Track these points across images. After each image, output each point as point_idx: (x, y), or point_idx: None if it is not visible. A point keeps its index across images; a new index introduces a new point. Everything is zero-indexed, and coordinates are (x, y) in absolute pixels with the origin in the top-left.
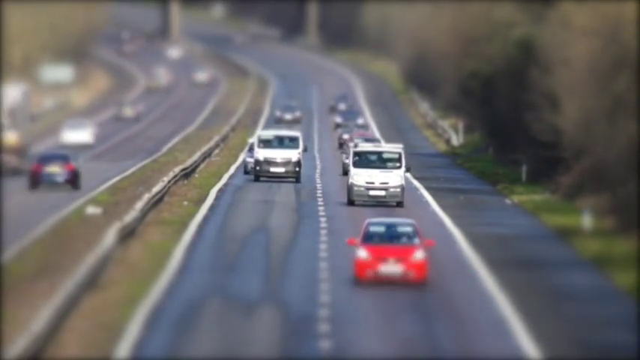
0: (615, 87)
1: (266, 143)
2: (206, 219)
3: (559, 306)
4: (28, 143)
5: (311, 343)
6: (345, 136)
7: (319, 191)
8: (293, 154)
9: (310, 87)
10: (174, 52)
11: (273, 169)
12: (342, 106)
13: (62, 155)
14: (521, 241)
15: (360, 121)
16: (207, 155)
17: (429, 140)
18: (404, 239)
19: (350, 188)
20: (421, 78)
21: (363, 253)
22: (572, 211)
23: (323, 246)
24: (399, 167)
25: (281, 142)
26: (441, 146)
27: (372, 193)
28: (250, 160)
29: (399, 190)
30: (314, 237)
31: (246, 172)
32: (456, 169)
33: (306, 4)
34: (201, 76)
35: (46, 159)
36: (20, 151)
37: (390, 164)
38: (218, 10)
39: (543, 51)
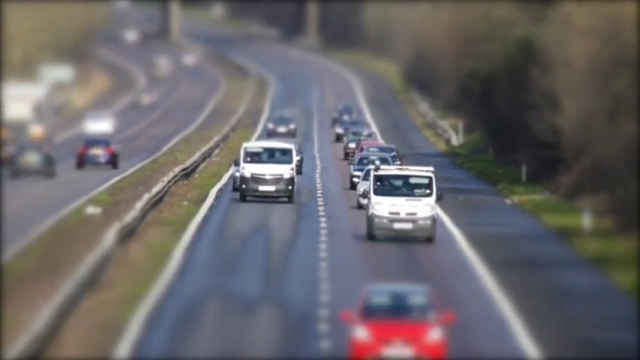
0: (615, 86)
1: (253, 157)
2: (206, 219)
3: (559, 306)
4: (52, 135)
5: (311, 343)
6: (352, 146)
7: (319, 191)
8: (285, 170)
9: (310, 87)
10: (189, 59)
11: (261, 188)
12: (345, 117)
13: (104, 140)
14: (521, 241)
15: (365, 132)
16: (207, 155)
17: (429, 140)
18: (415, 313)
19: (370, 220)
20: (421, 78)
21: (361, 333)
22: (572, 211)
23: (323, 246)
24: (430, 194)
25: (271, 156)
26: (441, 146)
27: (397, 226)
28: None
29: (429, 222)
30: (314, 237)
31: (235, 189)
32: (455, 169)
33: (306, 4)
34: (189, 59)
35: (91, 143)
36: (46, 142)
37: (418, 191)
38: (218, 10)
39: (543, 51)
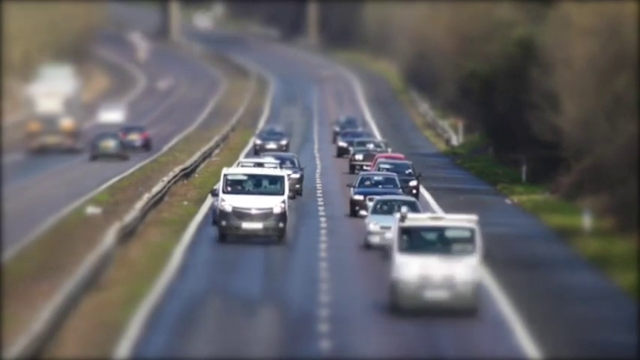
0: (615, 86)
1: (235, 186)
2: (206, 219)
3: (559, 306)
4: (81, 127)
5: (311, 343)
6: (359, 157)
7: (319, 191)
8: (275, 203)
9: (310, 87)
10: (162, 84)
11: (245, 226)
12: (348, 130)
13: (140, 127)
14: (521, 241)
15: (370, 146)
16: (207, 155)
17: (429, 140)
18: None
19: (395, 287)
20: (421, 78)
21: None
22: (572, 211)
23: (323, 246)
24: (472, 252)
25: (257, 185)
26: (441, 146)
27: (429, 295)
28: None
29: (469, 289)
30: (314, 237)
31: (215, 222)
32: (455, 169)
33: (306, 4)
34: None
35: (128, 129)
36: (75, 133)
37: (457, 247)
38: (218, 10)
39: (543, 51)
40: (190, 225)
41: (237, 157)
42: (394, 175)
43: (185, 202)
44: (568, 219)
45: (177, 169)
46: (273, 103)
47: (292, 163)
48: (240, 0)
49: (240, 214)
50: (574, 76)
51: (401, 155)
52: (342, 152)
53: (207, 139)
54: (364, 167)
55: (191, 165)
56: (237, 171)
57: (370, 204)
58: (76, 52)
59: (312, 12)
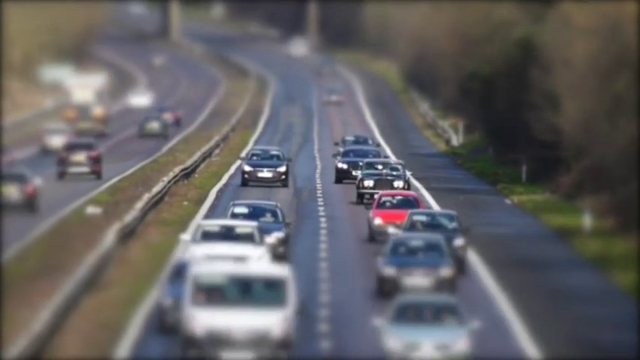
0: (615, 87)
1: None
2: (206, 219)
3: (559, 306)
4: (110, 115)
5: (311, 343)
6: (369, 184)
7: (319, 191)
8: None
9: (310, 87)
10: (158, 60)
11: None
12: (351, 147)
13: (171, 107)
14: (521, 241)
15: (380, 166)
16: (207, 155)
17: (429, 140)
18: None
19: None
20: (421, 78)
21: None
22: (572, 211)
23: (323, 246)
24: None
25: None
26: (441, 146)
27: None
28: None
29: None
30: (314, 237)
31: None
32: (455, 169)
33: (306, 4)
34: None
35: (162, 109)
36: (105, 120)
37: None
38: (218, 10)
39: (543, 51)
40: (190, 225)
41: (236, 158)
42: (439, 239)
43: (185, 203)
44: (568, 219)
45: (177, 170)
46: (273, 103)
47: (274, 215)
48: (240, 0)
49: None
50: (574, 76)
51: (413, 193)
52: (341, 176)
53: (207, 139)
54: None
55: (191, 165)
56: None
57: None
58: (76, 53)
59: (312, 12)
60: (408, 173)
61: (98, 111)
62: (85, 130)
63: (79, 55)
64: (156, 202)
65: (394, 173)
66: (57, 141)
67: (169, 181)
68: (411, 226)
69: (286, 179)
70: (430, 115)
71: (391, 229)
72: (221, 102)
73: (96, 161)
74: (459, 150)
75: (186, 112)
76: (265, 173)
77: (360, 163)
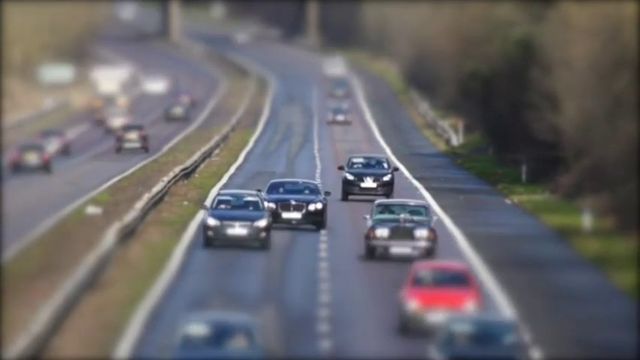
0: (615, 87)
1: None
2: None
3: (559, 306)
4: (133, 104)
5: (311, 343)
6: (382, 233)
7: None
8: None
9: (311, 87)
10: (241, 37)
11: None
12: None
13: (187, 91)
14: (521, 241)
15: (401, 212)
16: (207, 155)
17: (429, 140)
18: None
19: None
20: (421, 78)
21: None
22: (572, 211)
23: (323, 246)
24: None
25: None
26: (441, 146)
27: None
28: None
29: None
30: (314, 237)
31: None
32: (456, 169)
33: (306, 4)
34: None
35: (178, 94)
36: (129, 109)
37: None
38: (218, 10)
39: (543, 51)
40: (190, 225)
41: (236, 158)
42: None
43: (185, 202)
44: (568, 219)
45: (177, 169)
46: (273, 103)
47: (313, 191)
48: (240, 0)
49: None
50: (574, 76)
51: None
52: (350, 189)
53: (207, 139)
54: (393, 251)
55: (191, 165)
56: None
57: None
58: (76, 53)
59: (312, 12)
60: (434, 218)
61: (122, 100)
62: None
63: (79, 55)
64: (156, 202)
65: (415, 218)
66: (117, 122)
67: (169, 181)
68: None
69: (268, 239)
70: (430, 115)
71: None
72: (221, 102)
73: (144, 139)
74: (459, 150)
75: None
76: (238, 229)
77: (293, 202)
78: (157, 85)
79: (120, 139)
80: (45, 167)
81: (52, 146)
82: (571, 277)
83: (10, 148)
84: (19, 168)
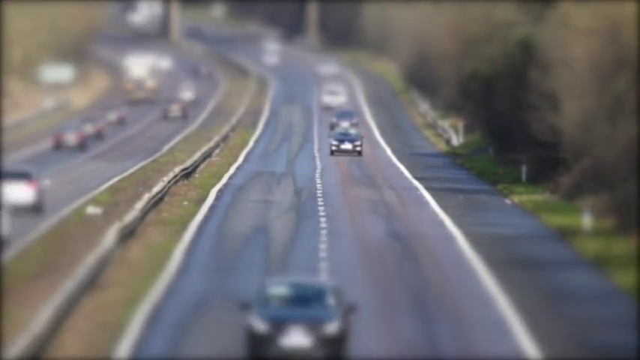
0: (615, 87)
1: None
2: (206, 219)
3: (559, 306)
4: (161, 88)
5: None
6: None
7: (319, 191)
8: None
9: (311, 87)
10: (328, 69)
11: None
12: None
13: (180, 100)
14: (521, 241)
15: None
16: (207, 155)
17: (430, 140)
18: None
19: None
20: (421, 78)
21: None
22: (572, 211)
23: (323, 246)
24: None
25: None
26: (442, 146)
27: None
28: None
29: None
30: (314, 237)
31: None
32: (456, 169)
33: (306, 4)
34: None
35: (170, 102)
36: (156, 91)
37: None
38: (218, 10)
39: (543, 51)
40: (191, 225)
41: (237, 158)
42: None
43: (185, 202)
44: (568, 219)
45: (177, 169)
46: (273, 103)
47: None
48: (240, 0)
49: None
50: (574, 76)
51: None
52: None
53: (207, 139)
54: None
55: (191, 165)
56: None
57: None
58: (76, 53)
59: (312, 12)
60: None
61: (150, 84)
62: (140, 98)
63: (79, 55)
64: (156, 202)
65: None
66: (186, 95)
67: (169, 181)
68: None
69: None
70: (430, 115)
71: None
72: (221, 102)
73: (184, 110)
74: (459, 150)
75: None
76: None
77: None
78: (187, 94)
79: (165, 110)
80: (81, 146)
81: (112, 116)
82: (571, 277)
83: (57, 128)
84: (60, 147)
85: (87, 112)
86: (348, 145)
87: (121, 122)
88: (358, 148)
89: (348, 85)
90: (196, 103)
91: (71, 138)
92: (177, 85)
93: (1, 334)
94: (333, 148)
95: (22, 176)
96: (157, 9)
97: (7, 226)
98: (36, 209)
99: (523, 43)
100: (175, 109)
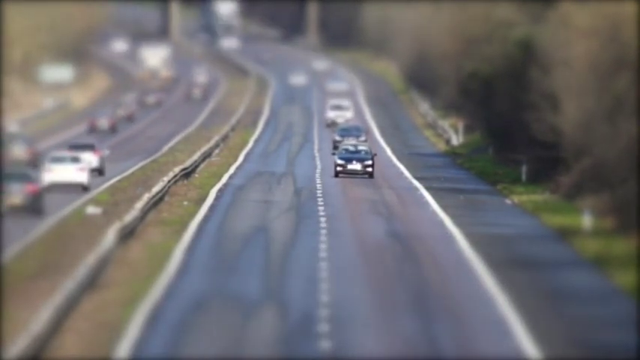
0: (615, 87)
1: None
2: (206, 219)
3: (559, 306)
4: (175, 77)
5: (311, 343)
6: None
7: (319, 191)
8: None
9: (311, 87)
10: (320, 65)
11: None
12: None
13: (200, 84)
14: (521, 241)
15: None
16: (207, 155)
17: (430, 140)
18: None
19: None
20: (421, 78)
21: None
22: (572, 211)
23: (323, 246)
24: None
25: None
26: (441, 146)
27: None
28: None
29: None
30: (314, 237)
31: None
32: (456, 169)
33: (306, 4)
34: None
35: (192, 86)
36: (170, 80)
37: None
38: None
39: (543, 51)
40: (190, 225)
41: (236, 158)
42: None
43: (185, 202)
44: (568, 219)
45: (177, 169)
46: (272, 103)
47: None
48: (240, 0)
49: None
50: (574, 76)
51: None
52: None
53: (207, 139)
54: None
55: (191, 165)
56: None
57: None
58: (76, 53)
59: (312, 12)
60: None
61: (164, 73)
62: (154, 86)
63: (79, 55)
64: (156, 202)
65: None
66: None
67: (169, 181)
68: None
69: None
70: (430, 115)
71: None
72: (221, 102)
73: (205, 91)
74: (459, 150)
75: (186, 116)
76: None
77: None
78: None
79: (188, 92)
80: (112, 129)
81: (151, 99)
82: (571, 277)
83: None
84: (94, 130)
85: (86, 112)
86: (356, 165)
87: (159, 104)
88: (369, 169)
89: (346, 81)
90: (210, 86)
91: (104, 123)
92: (175, 86)
93: (1, 334)
94: (339, 168)
95: (89, 147)
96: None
97: (88, 177)
98: (100, 172)
99: (523, 43)
100: (197, 92)
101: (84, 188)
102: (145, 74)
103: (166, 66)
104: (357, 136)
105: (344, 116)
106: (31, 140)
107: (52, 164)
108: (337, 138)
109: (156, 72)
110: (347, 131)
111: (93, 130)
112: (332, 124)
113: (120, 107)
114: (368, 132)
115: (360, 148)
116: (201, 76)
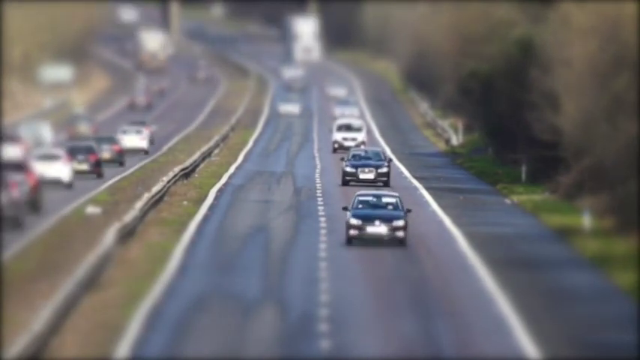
0: (615, 87)
1: None
2: (206, 219)
3: (559, 306)
4: (170, 61)
5: (311, 342)
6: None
7: (319, 191)
8: None
9: (310, 87)
10: (201, 74)
11: None
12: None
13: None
14: (521, 241)
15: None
16: (206, 155)
17: (429, 140)
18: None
19: None
20: (421, 78)
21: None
22: (572, 211)
23: (323, 245)
24: None
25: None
26: (441, 146)
27: None
28: None
29: None
30: (314, 236)
31: None
32: (455, 169)
33: (306, 4)
34: (201, 73)
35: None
36: (165, 63)
37: None
38: (218, 10)
39: (543, 51)
40: (190, 225)
41: (236, 157)
42: None
43: (185, 202)
44: (568, 219)
45: (176, 169)
46: (272, 103)
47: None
48: (240, 0)
49: None
50: (574, 76)
51: None
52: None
53: (206, 139)
54: None
55: (191, 165)
56: None
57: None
58: (76, 53)
59: (312, 12)
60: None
61: (162, 55)
62: (153, 67)
63: (78, 55)
64: (155, 202)
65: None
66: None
67: (169, 181)
68: None
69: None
70: (430, 115)
71: None
72: (221, 102)
73: (210, 80)
74: (458, 150)
75: (186, 116)
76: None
77: None
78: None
79: (194, 75)
80: (149, 106)
81: (201, 74)
82: (571, 277)
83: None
84: (133, 108)
85: (86, 111)
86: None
87: (210, 81)
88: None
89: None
90: (210, 80)
91: (141, 100)
92: (175, 86)
93: (1, 334)
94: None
95: (141, 124)
96: None
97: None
98: (150, 142)
99: (523, 43)
100: (202, 75)
101: (145, 152)
102: (146, 56)
103: (164, 49)
104: (378, 167)
105: (354, 139)
106: (93, 119)
107: (122, 135)
108: (348, 169)
109: (155, 55)
110: (363, 160)
111: (132, 107)
112: (339, 148)
113: (138, 94)
114: (368, 132)
115: (372, 150)
116: (201, 71)
